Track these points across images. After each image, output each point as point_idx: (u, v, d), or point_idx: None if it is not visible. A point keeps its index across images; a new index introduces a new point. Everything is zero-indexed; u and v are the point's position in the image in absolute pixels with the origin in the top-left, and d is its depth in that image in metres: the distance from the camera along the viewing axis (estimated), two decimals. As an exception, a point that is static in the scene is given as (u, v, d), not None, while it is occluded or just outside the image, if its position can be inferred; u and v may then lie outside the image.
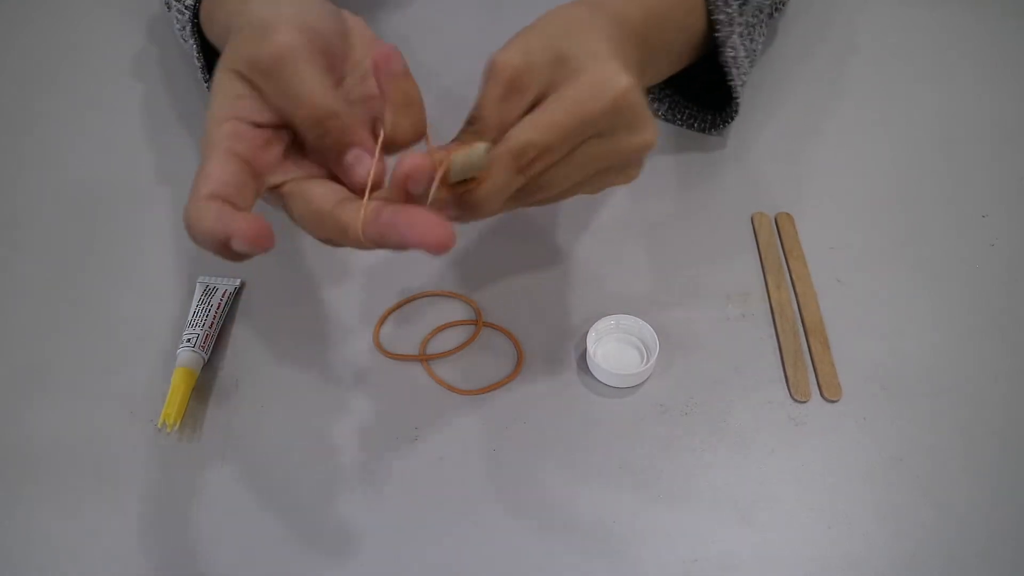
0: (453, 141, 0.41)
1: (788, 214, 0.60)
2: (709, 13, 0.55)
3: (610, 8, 0.47)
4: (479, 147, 0.39)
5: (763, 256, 0.58)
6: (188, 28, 0.57)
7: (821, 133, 0.66)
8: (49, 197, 0.62)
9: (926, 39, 0.73)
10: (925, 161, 0.64)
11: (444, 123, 0.64)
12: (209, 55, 0.59)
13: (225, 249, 0.38)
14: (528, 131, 0.41)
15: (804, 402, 0.52)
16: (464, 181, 0.40)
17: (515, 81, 0.42)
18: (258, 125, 0.40)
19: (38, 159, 0.65)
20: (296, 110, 0.39)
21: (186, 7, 0.57)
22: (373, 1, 0.76)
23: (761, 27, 0.62)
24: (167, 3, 0.61)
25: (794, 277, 0.57)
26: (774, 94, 0.68)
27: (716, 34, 0.56)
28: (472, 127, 0.41)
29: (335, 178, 0.42)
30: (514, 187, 0.41)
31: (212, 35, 0.55)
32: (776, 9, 0.67)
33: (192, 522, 0.47)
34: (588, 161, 0.43)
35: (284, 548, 0.46)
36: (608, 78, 0.41)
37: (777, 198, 0.62)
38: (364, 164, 0.41)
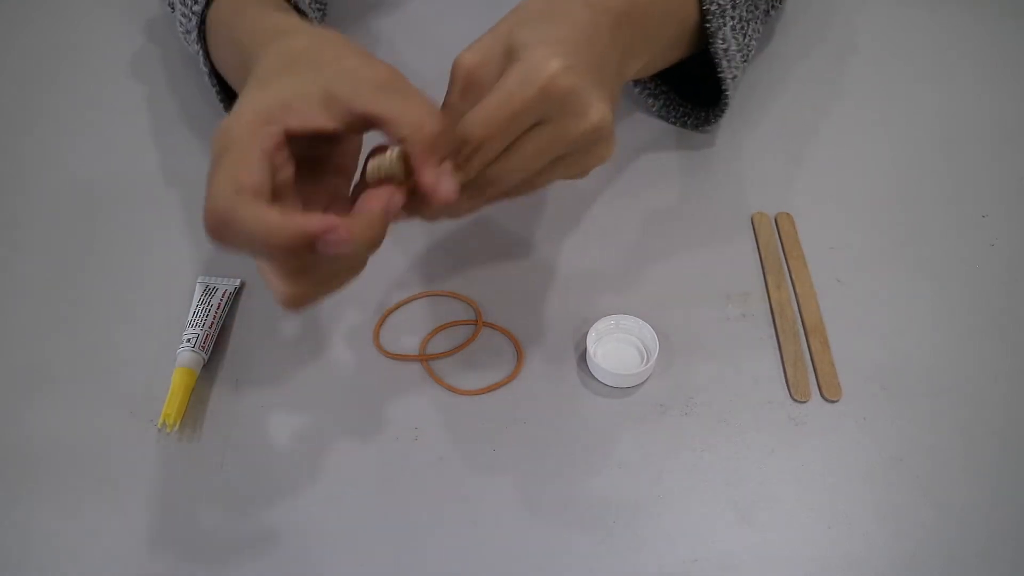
0: None
1: (788, 214, 0.60)
2: (700, 3, 0.55)
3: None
4: (392, 151, 0.41)
5: (763, 256, 0.58)
6: (194, 33, 0.57)
7: (821, 133, 0.66)
8: (49, 197, 0.62)
9: (926, 39, 0.73)
10: (925, 161, 0.64)
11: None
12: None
13: (302, 249, 0.38)
14: (461, 126, 0.41)
15: (804, 402, 0.52)
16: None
17: (469, 78, 0.42)
18: (291, 137, 0.40)
19: (38, 159, 0.65)
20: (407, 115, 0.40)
21: (193, 12, 0.57)
22: (366, 4, 0.76)
23: (756, 23, 0.61)
24: (171, 4, 0.61)
25: (794, 277, 0.57)
26: (773, 94, 0.68)
27: (707, 25, 0.56)
28: None
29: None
30: (455, 180, 0.41)
31: (221, 41, 0.55)
32: (773, 7, 0.67)
33: (192, 522, 0.47)
34: (533, 152, 0.43)
35: (284, 548, 0.46)
36: (536, 64, 0.41)
37: (777, 198, 0.62)
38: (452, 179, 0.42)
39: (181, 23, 0.59)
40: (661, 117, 0.66)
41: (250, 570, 0.46)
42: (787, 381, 0.52)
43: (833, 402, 0.52)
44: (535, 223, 0.61)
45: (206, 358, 0.53)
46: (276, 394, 0.52)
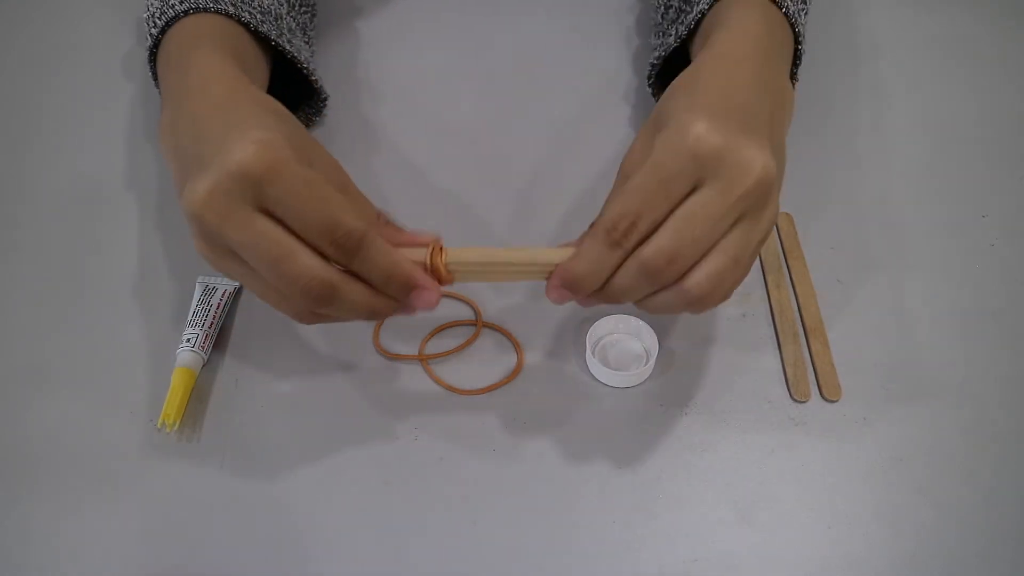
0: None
1: (788, 214, 0.60)
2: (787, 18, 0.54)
3: (720, 50, 0.48)
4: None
5: (763, 256, 0.58)
6: (148, 57, 0.55)
7: (821, 133, 0.66)
8: (49, 197, 0.62)
9: (925, 39, 0.73)
10: (925, 161, 0.64)
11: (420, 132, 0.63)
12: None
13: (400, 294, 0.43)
14: (612, 203, 0.41)
15: (804, 402, 0.52)
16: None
17: (628, 171, 0.43)
18: None
19: (38, 159, 0.65)
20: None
21: (150, 34, 0.54)
22: (352, 10, 0.76)
23: None
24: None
25: (794, 277, 0.57)
26: (774, 94, 0.68)
27: (796, 31, 0.54)
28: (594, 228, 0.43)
29: None
30: (612, 261, 0.41)
31: (169, 68, 0.52)
32: None
33: (192, 522, 0.47)
34: (703, 219, 0.40)
35: (284, 548, 0.46)
36: (680, 128, 0.40)
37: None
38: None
39: (145, 37, 0.57)
40: None
41: (250, 570, 0.46)
42: (787, 381, 0.52)
43: (833, 402, 0.52)
44: (535, 223, 0.60)
45: (206, 358, 0.53)
46: (276, 394, 0.52)
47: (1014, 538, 0.46)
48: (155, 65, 0.55)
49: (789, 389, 0.52)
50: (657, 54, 0.61)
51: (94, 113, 0.68)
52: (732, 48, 0.49)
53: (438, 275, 0.44)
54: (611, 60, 0.71)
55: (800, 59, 0.56)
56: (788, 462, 0.49)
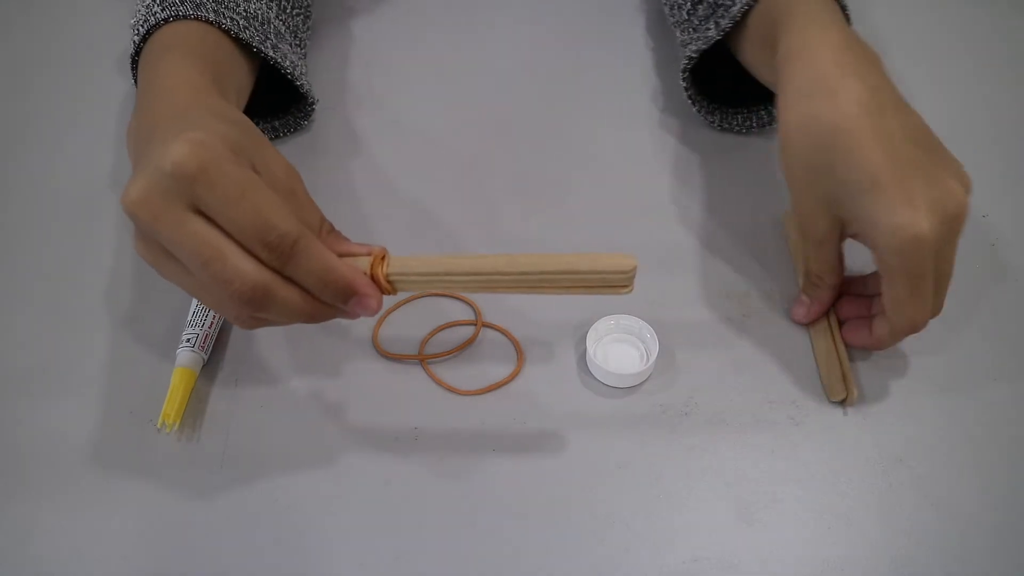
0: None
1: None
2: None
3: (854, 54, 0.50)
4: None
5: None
6: (131, 63, 0.56)
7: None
8: (49, 196, 0.62)
9: (926, 39, 0.73)
10: (925, 161, 0.64)
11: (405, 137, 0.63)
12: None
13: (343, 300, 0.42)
14: (900, 313, 0.48)
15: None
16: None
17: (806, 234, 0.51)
18: None
19: (37, 158, 0.65)
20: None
21: (132, 41, 0.55)
22: (346, 11, 0.76)
23: None
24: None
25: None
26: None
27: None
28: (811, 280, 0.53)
29: None
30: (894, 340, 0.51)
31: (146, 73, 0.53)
32: None
33: (191, 522, 0.47)
34: (946, 280, 0.49)
35: (284, 547, 0.46)
36: (910, 237, 0.45)
37: (782, 199, 0.62)
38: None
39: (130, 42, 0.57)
40: (724, 129, 0.65)
41: (250, 570, 0.46)
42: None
43: (834, 402, 0.52)
44: (535, 223, 0.61)
45: (206, 358, 0.53)
46: (276, 394, 0.52)
47: (1014, 538, 0.46)
48: (136, 71, 0.56)
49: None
50: (695, 47, 0.60)
51: (94, 113, 0.68)
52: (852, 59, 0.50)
53: (379, 286, 0.43)
54: (608, 67, 0.71)
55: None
56: (788, 462, 0.49)
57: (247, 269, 0.40)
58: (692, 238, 0.59)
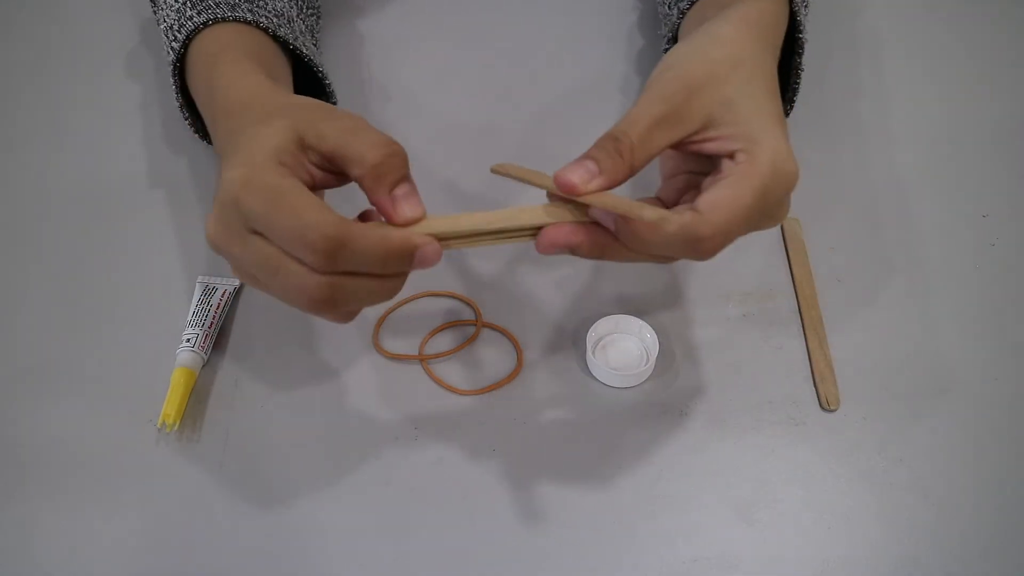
0: (591, 149, 0.43)
1: (796, 219, 0.60)
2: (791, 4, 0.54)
3: (762, 34, 0.48)
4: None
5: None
6: (171, 68, 0.56)
7: (821, 133, 0.66)
8: (49, 197, 0.62)
9: (926, 39, 0.73)
10: (925, 161, 0.64)
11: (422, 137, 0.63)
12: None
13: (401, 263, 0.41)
14: (715, 216, 0.42)
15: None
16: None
17: (675, 112, 0.43)
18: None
19: (38, 159, 0.65)
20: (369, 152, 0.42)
21: (172, 48, 0.55)
22: (352, 10, 0.76)
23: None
24: (159, 23, 0.59)
25: (795, 277, 0.57)
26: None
27: (798, 19, 0.55)
28: (614, 143, 0.43)
29: None
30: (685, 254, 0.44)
31: (197, 84, 0.53)
32: None
33: (191, 522, 0.47)
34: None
35: (283, 547, 0.46)
36: (783, 171, 0.43)
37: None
38: (412, 200, 0.43)
39: (166, 50, 0.57)
40: None
41: (250, 570, 0.46)
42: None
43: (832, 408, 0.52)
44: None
45: (206, 358, 0.53)
46: (276, 394, 0.52)
47: (1014, 538, 0.46)
48: (178, 78, 0.55)
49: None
50: (664, 31, 0.62)
51: (94, 113, 0.68)
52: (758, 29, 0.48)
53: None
54: (617, 58, 0.71)
55: (802, 48, 0.56)
56: (788, 462, 0.49)
57: (305, 276, 0.40)
58: (692, 238, 0.59)
